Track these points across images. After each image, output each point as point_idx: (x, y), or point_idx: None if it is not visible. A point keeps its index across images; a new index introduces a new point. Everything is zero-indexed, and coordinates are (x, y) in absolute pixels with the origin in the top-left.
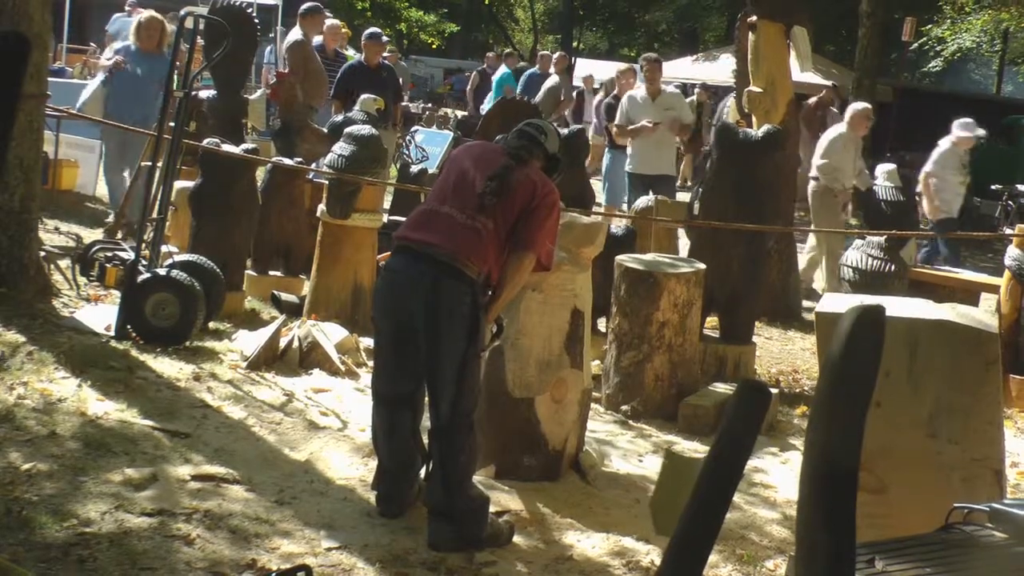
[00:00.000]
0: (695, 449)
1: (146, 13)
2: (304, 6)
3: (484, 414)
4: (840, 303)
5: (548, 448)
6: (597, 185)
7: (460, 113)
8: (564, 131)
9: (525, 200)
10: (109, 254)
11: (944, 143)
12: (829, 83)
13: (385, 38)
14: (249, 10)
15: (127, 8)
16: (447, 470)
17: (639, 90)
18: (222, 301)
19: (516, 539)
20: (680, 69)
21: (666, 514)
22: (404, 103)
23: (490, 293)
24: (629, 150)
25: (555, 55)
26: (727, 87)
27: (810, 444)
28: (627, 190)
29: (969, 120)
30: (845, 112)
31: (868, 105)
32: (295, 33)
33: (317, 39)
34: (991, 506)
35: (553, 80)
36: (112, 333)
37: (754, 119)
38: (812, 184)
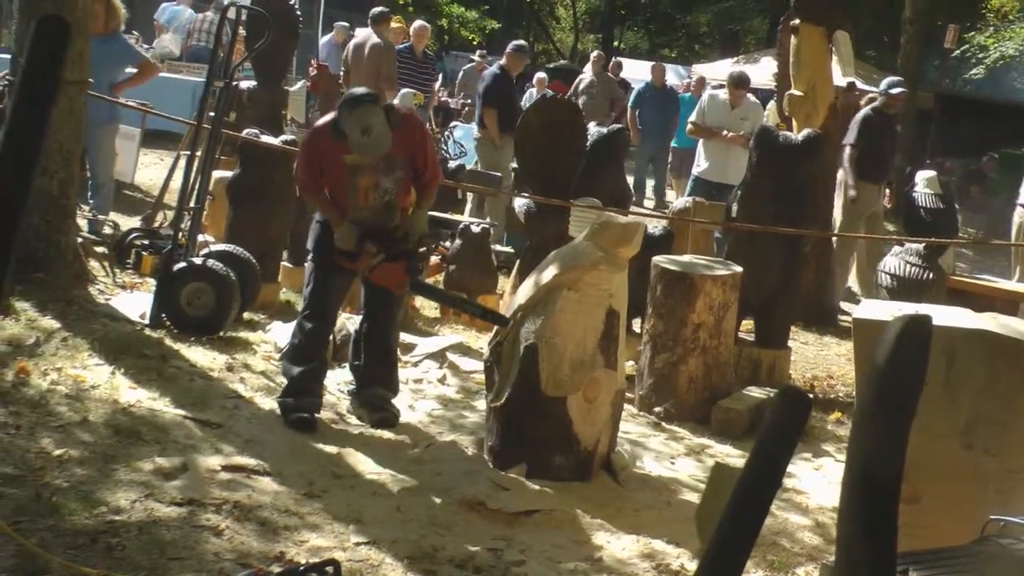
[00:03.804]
0: (727, 453)
1: None
2: (376, 11)
3: (516, 412)
4: (878, 310)
5: (580, 448)
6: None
7: None
8: (603, 130)
9: None
10: (146, 242)
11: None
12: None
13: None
14: (292, 1)
15: None
16: None
17: (722, 91)
18: (257, 292)
19: (546, 537)
20: (721, 71)
21: (711, 525)
22: (444, 99)
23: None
24: (699, 152)
25: (592, 54)
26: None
27: (852, 453)
28: (689, 193)
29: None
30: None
31: None
32: (371, 35)
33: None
34: None
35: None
36: (147, 321)
37: (794, 123)
38: (1020, 212)
